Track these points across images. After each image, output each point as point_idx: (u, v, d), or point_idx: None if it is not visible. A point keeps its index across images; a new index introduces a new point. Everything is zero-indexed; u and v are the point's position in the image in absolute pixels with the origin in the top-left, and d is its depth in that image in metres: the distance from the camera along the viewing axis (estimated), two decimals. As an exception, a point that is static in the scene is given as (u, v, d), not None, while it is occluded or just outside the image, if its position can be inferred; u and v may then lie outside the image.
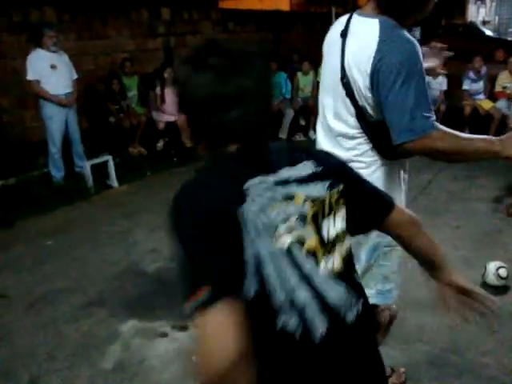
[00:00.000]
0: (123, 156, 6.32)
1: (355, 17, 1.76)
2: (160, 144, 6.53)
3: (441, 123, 6.23)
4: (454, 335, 2.71)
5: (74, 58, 6.22)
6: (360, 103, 1.70)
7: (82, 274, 3.65)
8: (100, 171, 5.56)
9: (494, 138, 1.67)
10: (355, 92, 1.69)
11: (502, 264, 3.15)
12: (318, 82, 7.29)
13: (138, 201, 5.12)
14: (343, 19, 1.83)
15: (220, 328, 0.88)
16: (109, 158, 5.51)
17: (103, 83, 6.47)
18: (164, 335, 2.86)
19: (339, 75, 1.73)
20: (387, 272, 1.99)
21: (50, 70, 5.18)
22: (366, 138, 1.75)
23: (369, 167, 1.77)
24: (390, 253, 1.97)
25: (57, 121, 5.30)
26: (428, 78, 6.22)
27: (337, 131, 1.80)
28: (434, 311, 2.91)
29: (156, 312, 3.09)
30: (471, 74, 6.38)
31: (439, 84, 6.53)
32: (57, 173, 5.46)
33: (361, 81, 1.66)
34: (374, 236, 1.83)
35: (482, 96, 6.40)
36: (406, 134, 1.59)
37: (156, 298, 3.25)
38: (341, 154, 1.73)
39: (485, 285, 3.13)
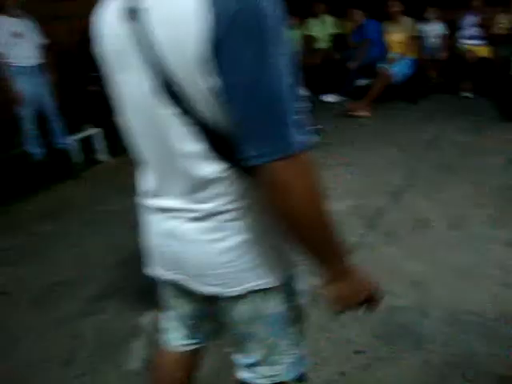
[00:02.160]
0: (108, 127, 5.92)
1: None
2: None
3: (440, 73, 5.82)
4: (501, 303, 2.53)
5: (44, 22, 5.74)
6: (202, 114, 0.98)
7: (85, 261, 3.35)
8: (84, 145, 5.19)
9: (350, 264, 1.12)
10: (192, 99, 0.96)
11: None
12: (308, 36, 6.97)
13: (130, 175, 4.77)
14: None
15: None
16: (96, 130, 5.13)
17: (78, 49, 5.99)
18: (189, 326, 2.62)
19: (149, 82, 1.01)
20: (295, 338, 1.34)
21: (13, 39, 4.69)
22: (230, 170, 1.04)
23: (246, 215, 1.10)
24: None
25: (26, 94, 4.84)
26: (422, 26, 5.77)
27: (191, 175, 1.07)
28: (474, 276, 2.79)
29: (175, 299, 2.84)
30: (469, 18, 6.05)
31: (436, 30, 6.20)
32: (33, 149, 5.05)
33: (193, 73, 0.93)
34: (272, 306, 1.22)
35: (477, 41, 6.11)
36: (276, 147, 0.90)
37: (172, 284, 3.00)
38: (199, 207, 1.10)
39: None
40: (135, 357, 2.42)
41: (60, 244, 3.60)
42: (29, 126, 4.99)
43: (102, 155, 5.17)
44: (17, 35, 4.73)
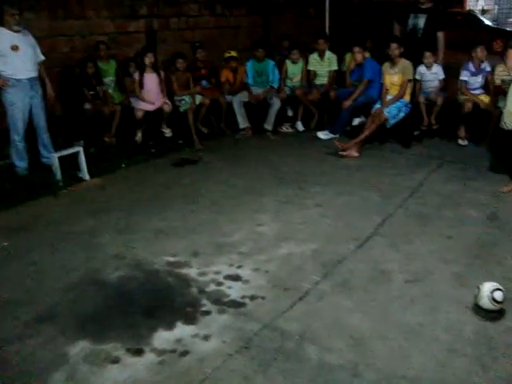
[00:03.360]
0: (99, 146, 5.94)
1: None
2: (139, 136, 6.12)
3: (436, 118, 5.71)
4: (442, 371, 2.40)
5: (47, 39, 5.83)
6: None
7: (36, 282, 3.30)
8: (71, 162, 5.19)
9: None
10: None
11: (498, 286, 2.83)
12: (307, 71, 6.99)
13: (109, 196, 4.76)
14: None
15: None
16: (79, 149, 5.13)
17: (78, 67, 6.05)
18: (115, 361, 2.53)
19: None
20: None
21: (11, 52, 4.76)
22: None
23: None
24: None
25: (19, 107, 4.90)
26: (422, 69, 5.79)
27: None
28: (420, 338, 2.65)
29: (110, 331, 2.76)
30: (471, 66, 5.99)
31: (435, 73, 6.15)
32: (20, 163, 5.07)
33: None
34: None
35: (478, 91, 6.04)
36: None
37: (112, 314, 2.92)
38: None
39: (477, 307, 2.83)
40: (49, 390, 2.34)
41: (17, 261, 3.56)
42: (17, 138, 5.02)
43: (84, 174, 5.15)
44: (14, 49, 4.79)
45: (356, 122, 6.37)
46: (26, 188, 4.85)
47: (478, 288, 2.86)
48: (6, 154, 5.28)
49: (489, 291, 2.81)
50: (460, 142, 6.05)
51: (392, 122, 5.82)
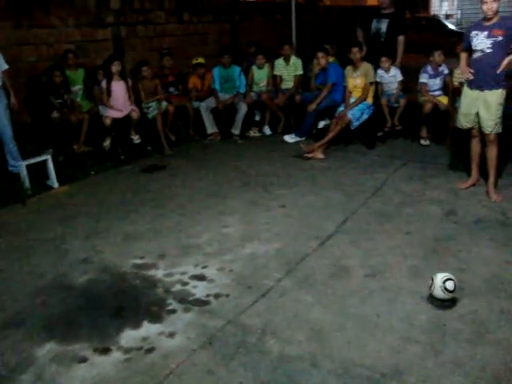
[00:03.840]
0: (67, 154, 5.97)
1: None
2: (107, 143, 6.16)
3: (400, 119, 5.93)
4: (397, 357, 2.52)
5: (13, 48, 5.85)
6: None
7: (4, 288, 3.33)
8: (40, 170, 5.21)
9: None
10: None
11: (450, 276, 2.97)
12: (274, 76, 7.13)
13: (77, 203, 4.80)
14: None
15: None
16: (47, 157, 5.16)
17: (44, 76, 6.07)
18: (83, 360, 2.59)
19: None
20: None
21: None
22: None
23: None
24: None
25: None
26: (381, 72, 5.99)
27: None
28: (377, 328, 2.78)
29: (78, 332, 2.82)
30: (429, 69, 6.22)
31: (393, 76, 6.38)
32: (-14, 171, 5.09)
33: None
34: None
35: (438, 93, 6.25)
36: None
37: (80, 316, 2.98)
38: None
39: (431, 297, 2.98)
40: (16, 391, 2.39)
41: (-17, 269, 3.58)
42: (-17, 147, 5.03)
43: (53, 182, 5.17)
44: None
45: (321, 124, 6.53)
46: (-8, 196, 4.86)
47: (432, 279, 3.00)
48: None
49: (441, 281, 2.95)
50: (422, 142, 6.26)
51: (356, 123, 5.98)
